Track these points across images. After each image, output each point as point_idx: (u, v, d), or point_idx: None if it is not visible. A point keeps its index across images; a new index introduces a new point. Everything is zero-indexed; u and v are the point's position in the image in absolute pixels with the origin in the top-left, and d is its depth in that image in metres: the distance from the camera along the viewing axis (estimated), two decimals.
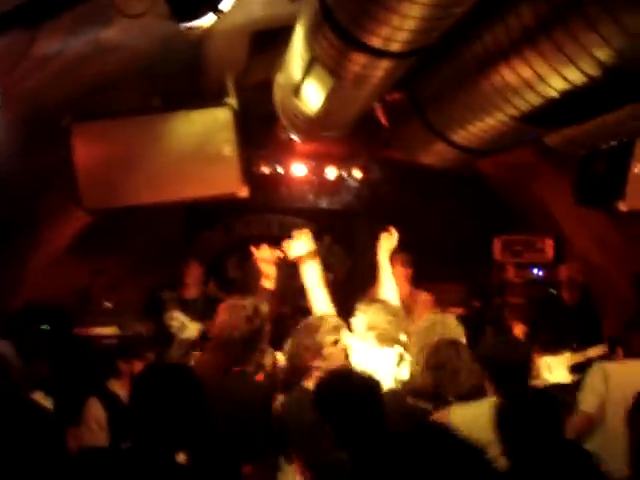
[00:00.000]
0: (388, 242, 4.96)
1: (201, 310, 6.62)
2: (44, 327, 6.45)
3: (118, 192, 4.87)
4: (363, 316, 4.44)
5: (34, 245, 6.42)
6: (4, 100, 3.88)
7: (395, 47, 3.34)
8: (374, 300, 4.60)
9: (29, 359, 5.51)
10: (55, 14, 3.40)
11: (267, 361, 4.87)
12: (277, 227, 8.65)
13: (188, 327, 6.43)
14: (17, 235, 5.86)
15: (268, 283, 4.67)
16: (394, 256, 5.86)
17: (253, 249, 4.82)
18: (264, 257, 4.73)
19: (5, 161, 4.61)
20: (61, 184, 5.37)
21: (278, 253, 4.80)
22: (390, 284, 4.92)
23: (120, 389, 4.35)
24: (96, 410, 4.24)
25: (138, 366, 4.30)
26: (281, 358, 4.82)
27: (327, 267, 8.25)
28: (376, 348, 4.31)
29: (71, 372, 5.42)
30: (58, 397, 4.33)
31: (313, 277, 4.59)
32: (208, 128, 4.89)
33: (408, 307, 6.23)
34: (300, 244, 4.67)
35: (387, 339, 4.30)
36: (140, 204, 4.93)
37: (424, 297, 6.51)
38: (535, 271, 7.62)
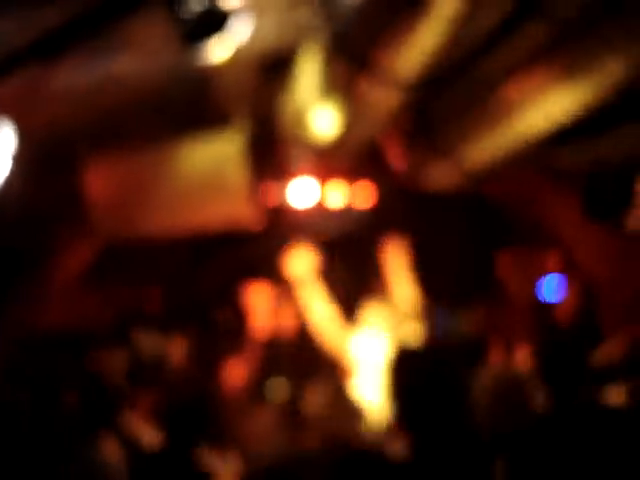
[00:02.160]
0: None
1: None
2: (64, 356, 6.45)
3: (131, 222, 4.92)
4: None
5: (48, 275, 6.45)
6: (19, 134, 3.92)
7: (409, 76, 3.40)
8: None
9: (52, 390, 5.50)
10: (69, 48, 3.45)
11: None
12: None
13: None
14: (31, 265, 5.89)
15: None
16: None
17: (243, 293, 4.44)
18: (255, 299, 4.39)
19: (20, 192, 4.66)
20: (73, 214, 5.41)
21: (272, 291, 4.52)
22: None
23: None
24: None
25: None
26: None
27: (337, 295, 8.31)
28: None
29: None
30: None
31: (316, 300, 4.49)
32: (219, 158, 4.94)
33: None
34: (300, 262, 4.55)
35: None
36: (153, 234, 4.96)
37: None
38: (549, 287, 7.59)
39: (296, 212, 8.33)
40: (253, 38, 3.90)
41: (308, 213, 8.42)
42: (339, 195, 8.22)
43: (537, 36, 3.41)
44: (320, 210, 8.40)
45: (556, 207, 6.99)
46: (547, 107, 3.68)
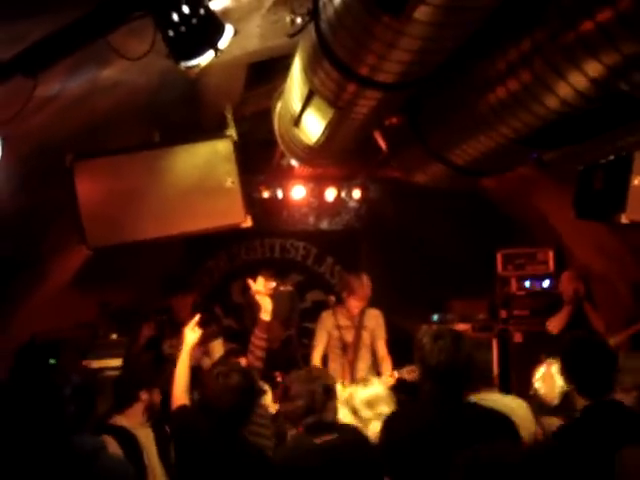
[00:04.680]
0: None
1: None
2: (51, 361, 6.47)
3: (122, 228, 4.87)
4: None
5: (38, 280, 6.44)
6: (5, 144, 3.91)
7: (393, 79, 3.38)
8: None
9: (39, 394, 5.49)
10: (55, 60, 3.43)
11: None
12: (279, 251, 8.67)
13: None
14: (21, 271, 5.88)
15: (265, 315, 4.80)
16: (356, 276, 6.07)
17: (250, 282, 4.94)
18: (259, 290, 4.88)
19: (8, 200, 4.64)
20: (63, 221, 5.40)
21: (273, 284, 4.96)
22: None
23: (126, 422, 4.36)
24: (113, 449, 4.11)
25: (145, 397, 4.43)
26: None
27: (330, 288, 8.35)
28: None
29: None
30: None
31: None
32: (209, 161, 4.90)
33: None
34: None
35: None
36: (144, 240, 4.93)
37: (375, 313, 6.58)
38: (544, 283, 7.63)
39: (286, 204, 8.36)
40: (238, 41, 3.88)
41: (299, 205, 8.47)
42: (332, 189, 8.27)
43: (524, 44, 3.38)
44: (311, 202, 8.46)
45: (551, 204, 7.00)
46: (533, 108, 3.65)
